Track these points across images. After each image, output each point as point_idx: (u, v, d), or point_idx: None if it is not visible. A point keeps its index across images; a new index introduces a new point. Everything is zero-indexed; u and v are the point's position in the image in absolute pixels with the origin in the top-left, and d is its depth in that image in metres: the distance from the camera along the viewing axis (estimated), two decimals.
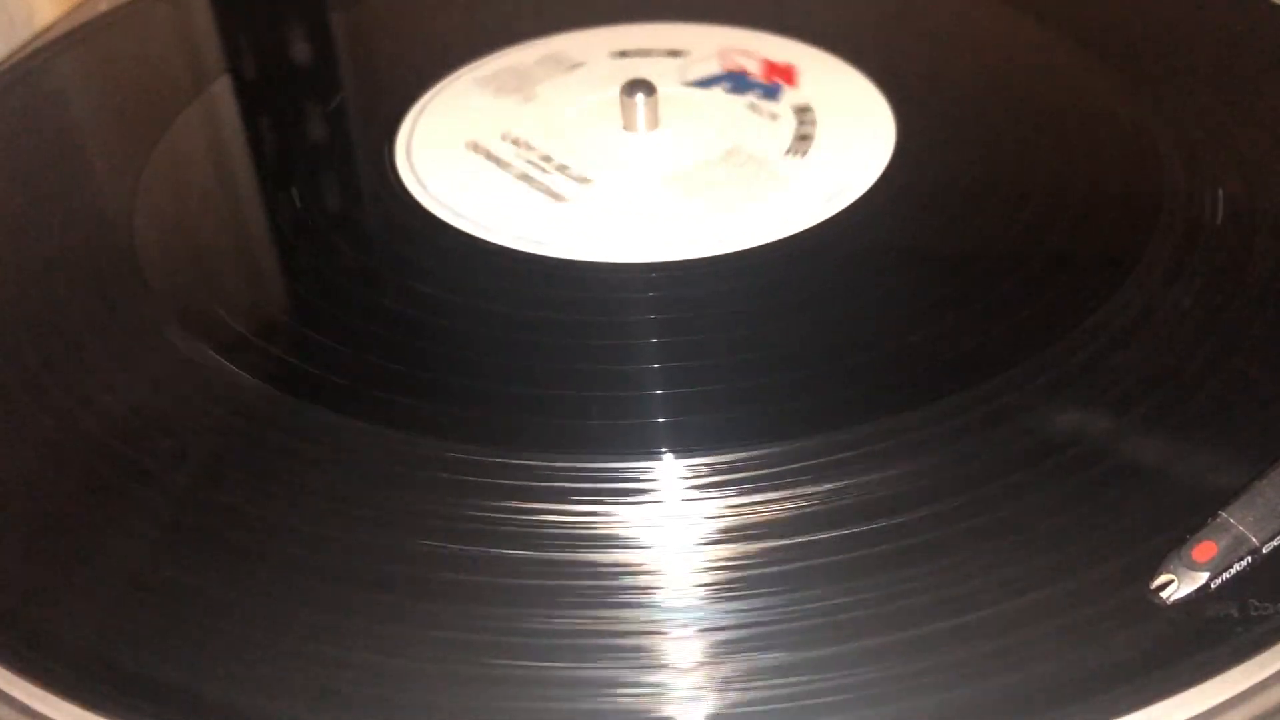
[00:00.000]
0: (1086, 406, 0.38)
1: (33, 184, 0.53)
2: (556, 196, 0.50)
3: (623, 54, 0.59)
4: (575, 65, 0.58)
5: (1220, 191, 0.47)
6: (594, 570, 0.35)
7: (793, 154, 0.51)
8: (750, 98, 0.55)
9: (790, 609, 0.33)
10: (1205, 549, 0.32)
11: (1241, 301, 0.42)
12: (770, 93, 0.55)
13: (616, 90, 0.53)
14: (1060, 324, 0.41)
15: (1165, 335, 0.41)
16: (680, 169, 0.51)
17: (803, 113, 0.54)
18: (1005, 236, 0.46)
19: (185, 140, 0.55)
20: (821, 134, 0.52)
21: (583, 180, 0.50)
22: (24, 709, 0.33)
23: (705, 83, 0.56)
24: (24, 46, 0.65)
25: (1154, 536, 0.34)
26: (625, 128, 0.53)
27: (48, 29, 0.66)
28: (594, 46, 0.60)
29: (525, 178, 0.51)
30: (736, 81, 0.56)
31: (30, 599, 0.35)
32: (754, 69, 0.56)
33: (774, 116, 0.54)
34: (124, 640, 0.34)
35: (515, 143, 0.53)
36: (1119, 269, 0.43)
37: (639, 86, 0.53)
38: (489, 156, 0.52)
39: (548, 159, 0.52)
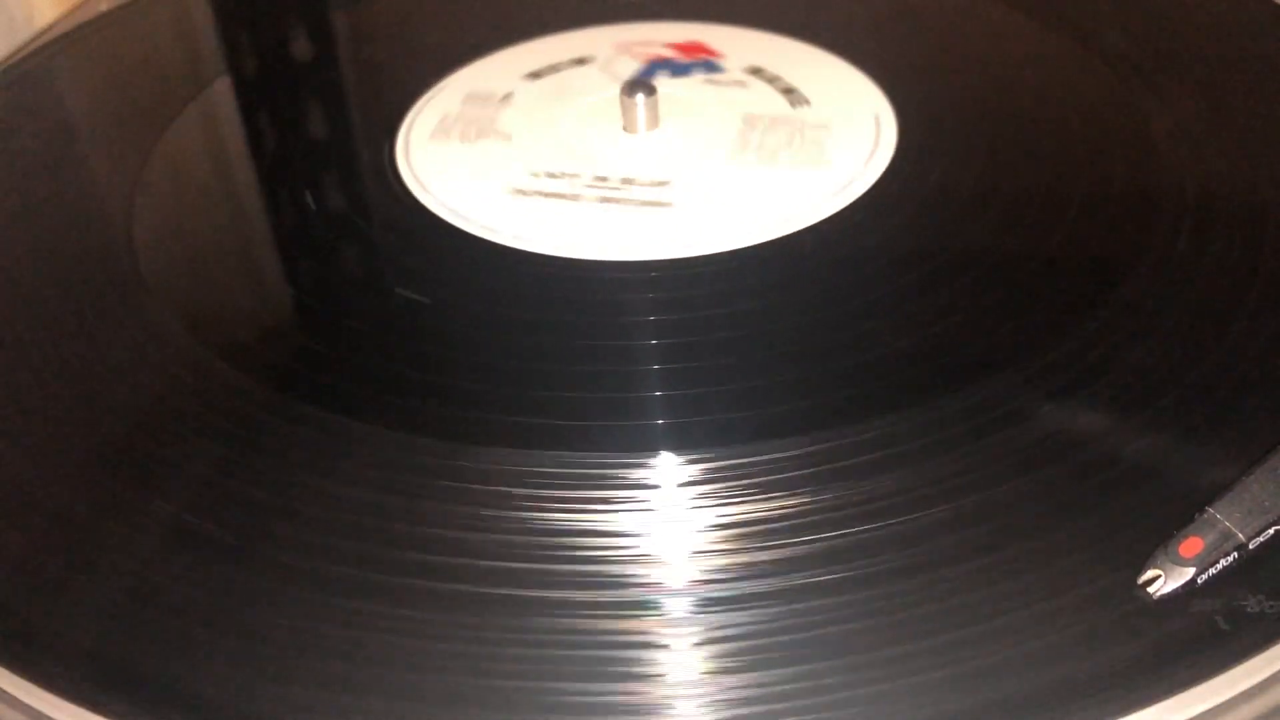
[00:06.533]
0: (1080, 406, 0.39)
1: (32, 184, 0.53)
2: (556, 197, 0.50)
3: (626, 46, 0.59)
4: (575, 65, 0.58)
5: (1218, 191, 0.47)
6: (594, 570, 0.35)
7: (792, 151, 0.51)
8: (698, 76, 0.55)
9: (789, 610, 0.33)
10: (1192, 544, 0.32)
11: (1232, 300, 0.42)
12: (709, 67, 0.55)
13: (616, 90, 0.54)
14: (1059, 324, 0.41)
15: (1156, 334, 0.41)
16: (679, 169, 0.51)
17: (802, 111, 0.54)
18: (1004, 236, 0.46)
19: (185, 140, 0.55)
20: (821, 133, 0.53)
21: (583, 180, 0.51)
22: (24, 709, 0.34)
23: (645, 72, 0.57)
24: (24, 46, 0.65)
25: (1148, 535, 0.34)
26: (625, 128, 0.53)
27: (48, 29, 0.66)
28: (602, 42, 0.60)
29: (525, 178, 0.51)
30: (671, 67, 0.56)
31: (31, 599, 0.35)
32: (670, 55, 0.57)
33: (773, 113, 0.54)
34: (124, 641, 0.34)
35: (515, 142, 0.53)
36: (1117, 269, 0.43)
37: (639, 86, 0.53)
38: (489, 156, 0.53)
39: (547, 159, 0.52)
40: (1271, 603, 0.32)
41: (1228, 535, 0.33)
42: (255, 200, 0.53)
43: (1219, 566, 0.33)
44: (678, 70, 0.56)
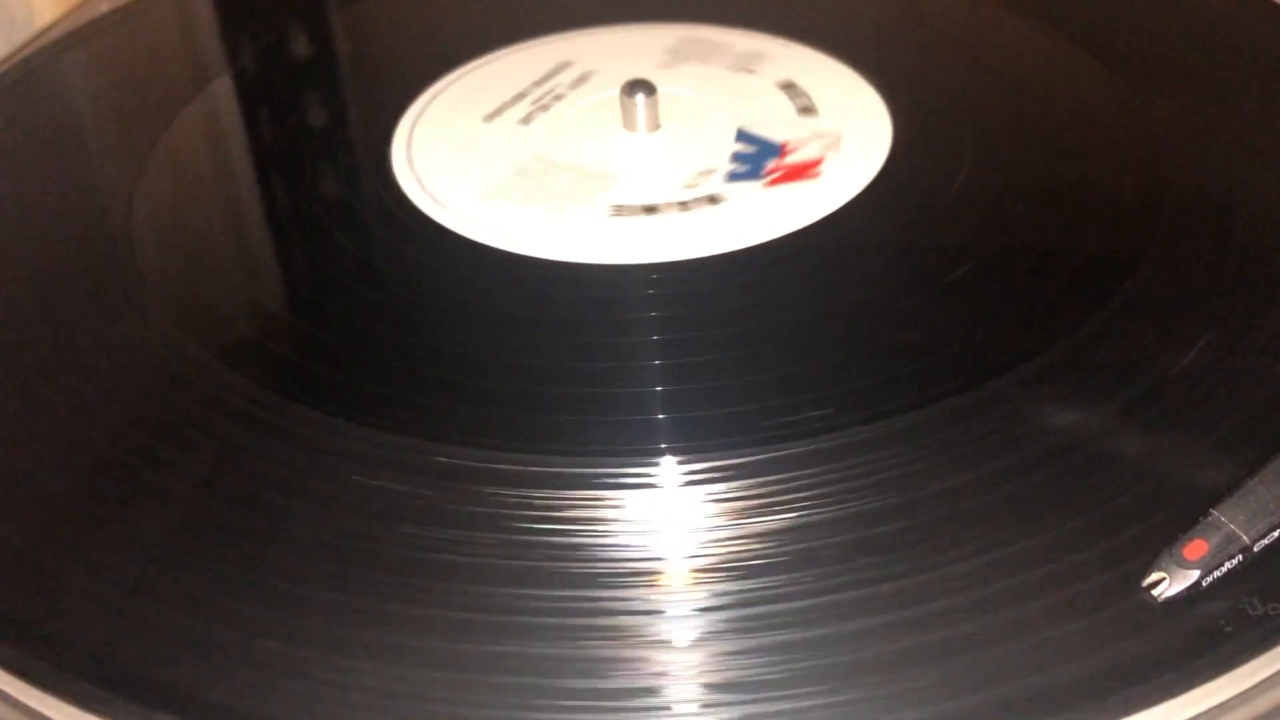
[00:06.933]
0: (1082, 407, 0.39)
1: (32, 184, 0.53)
2: (556, 196, 0.50)
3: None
4: (577, 65, 0.58)
5: (1218, 192, 0.47)
6: (594, 571, 0.35)
7: (790, 151, 0.51)
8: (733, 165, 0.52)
9: (789, 611, 0.33)
10: (1196, 547, 0.32)
11: (1234, 300, 0.42)
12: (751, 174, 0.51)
13: (616, 90, 0.53)
14: (1058, 324, 0.41)
15: (1158, 334, 0.41)
16: (680, 169, 0.51)
17: (799, 107, 0.54)
18: (1003, 236, 0.46)
19: (185, 140, 0.55)
20: (819, 132, 0.52)
21: (582, 180, 0.51)
22: (24, 709, 0.34)
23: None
24: (24, 46, 0.65)
25: (1152, 537, 0.34)
26: (625, 128, 0.53)
27: (48, 29, 0.66)
28: (592, 47, 0.60)
29: (525, 178, 0.51)
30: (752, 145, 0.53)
31: (31, 600, 0.35)
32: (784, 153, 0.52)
33: (771, 113, 0.54)
34: (125, 642, 0.34)
35: (515, 143, 0.53)
36: (1116, 269, 0.43)
37: (639, 86, 0.53)
38: (489, 156, 0.52)
39: (548, 159, 0.52)
40: (1275, 605, 0.32)
41: (1232, 538, 0.33)
42: (255, 200, 0.53)
43: (1223, 569, 0.33)
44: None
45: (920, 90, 0.54)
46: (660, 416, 0.40)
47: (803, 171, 0.50)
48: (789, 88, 0.55)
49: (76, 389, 0.42)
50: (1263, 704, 0.32)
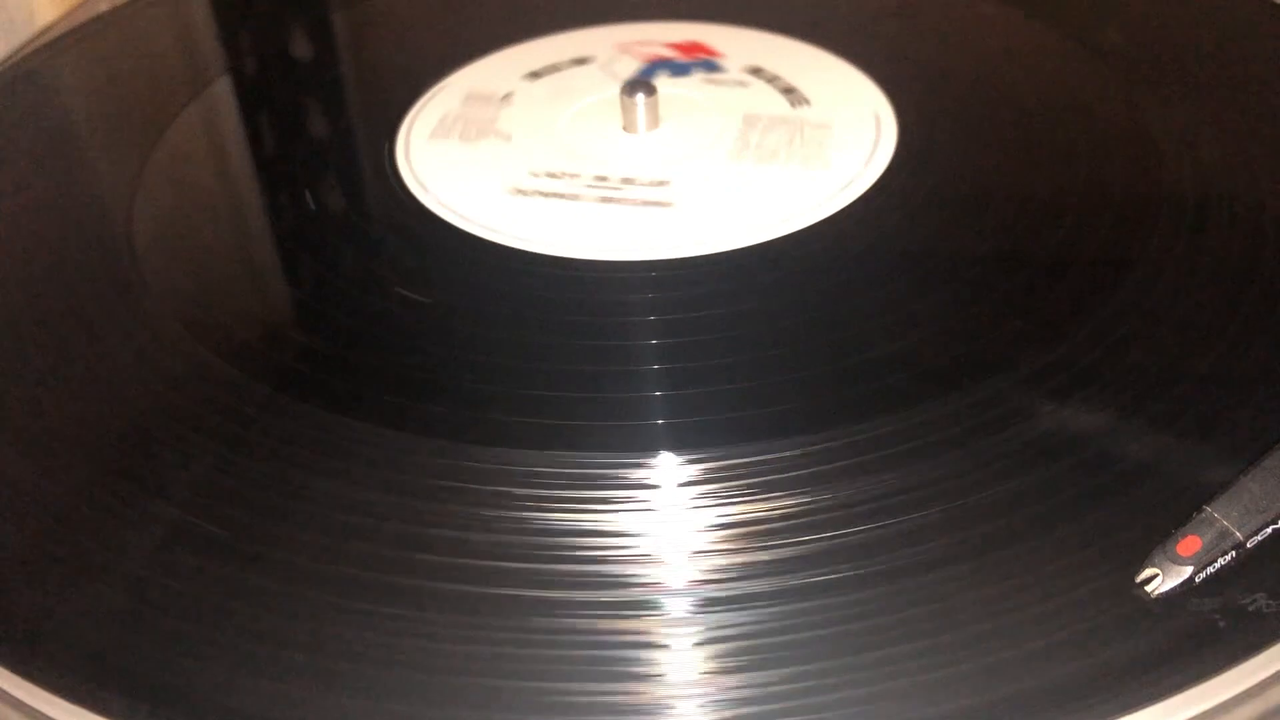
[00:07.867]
0: (1078, 405, 0.39)
1: (32, 184, 0.53)
2: (556, 196, 0.50)
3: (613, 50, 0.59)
4: (576, 65, 0.58)
5: (1218, 192, 0.47)
6: (593, 570, 0.35)
7: (792, 151, 0.51)
8: (698, 75, 0.56)
9: (787, 610, 0.33)
10: (1190, 543, 0.33)
11: (1230, 299, 0.42)
12: (709, 66, 0.57)
13: (616, 90, 0.54)
14: (1058, 323, 0.41)
15: (1155, 333, 0.41)
16: (679, 169, 0.51)
17: (802, 110, 0.54)
18: (1003, 236, 0.46)
19: (184, 140, 0.55)
20: (821, 133, 0.52)
21: (582, 180, 0.51)
22: (24, 709, 0.34)
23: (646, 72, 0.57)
24: (24, 46, 0.65)
25: (1146, 534, 0.34)
26: (625, 128, 0.53)
27: (48, 29, 0.66)
28: (602, 42, 0.60)
29: (525, 178, 0.51)
30: (671, 67, 0.57)
31: (31, 599, 0.35)
32: (670, 55, 0.58)
33: (773, 113, 0.54)
34: (124, 641, 0.34)
35: (515, 142, 0.53)
36: (1116, 268, 0.43)
37: (639, 86, 0.53)
38: (489, 156, 0.53)
39: (547, 159, 0.52)
40: (1270, 601, 0.32)
41: (1225, 534, 0.33)
42: (255, 200, 0.53)
43: (1217, 565, 0.33)
44: (677, 70, 0.56)
45: (925, 93, 0.54)
46: (658, 411, 0.40)
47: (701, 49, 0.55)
48: (790, 92, 0.55)
49: (76, 388, 0.42)
50: (1260, 703, 0.32)
